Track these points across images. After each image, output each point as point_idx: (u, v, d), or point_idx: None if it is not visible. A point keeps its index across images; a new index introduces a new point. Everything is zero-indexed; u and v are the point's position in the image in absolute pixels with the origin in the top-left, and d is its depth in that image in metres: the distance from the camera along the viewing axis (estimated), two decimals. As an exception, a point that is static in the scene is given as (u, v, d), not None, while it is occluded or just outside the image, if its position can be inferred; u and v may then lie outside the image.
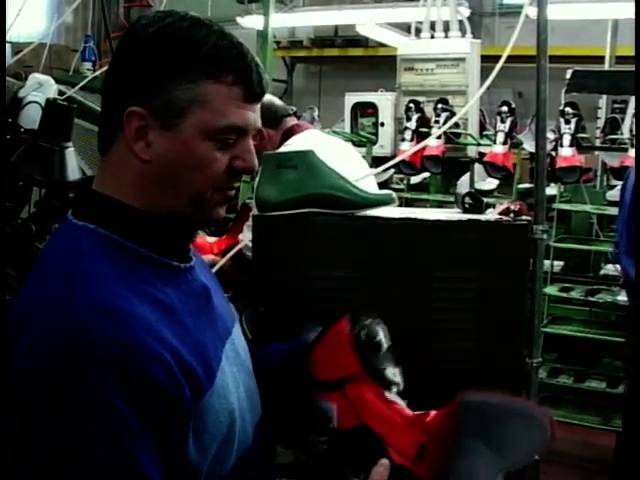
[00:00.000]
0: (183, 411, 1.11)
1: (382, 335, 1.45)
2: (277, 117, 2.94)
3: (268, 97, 3.09)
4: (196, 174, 1.19)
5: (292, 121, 3.00)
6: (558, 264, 5.18)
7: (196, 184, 1.20)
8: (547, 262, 4.88)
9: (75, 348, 1.04)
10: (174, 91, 1.16)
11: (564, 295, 4.91)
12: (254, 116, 1.23)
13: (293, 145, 2.74)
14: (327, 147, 2.37)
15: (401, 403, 1.37)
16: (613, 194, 5.02)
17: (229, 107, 1.18)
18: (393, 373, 1.41)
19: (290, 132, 2.90)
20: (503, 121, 4.86)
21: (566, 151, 4.66)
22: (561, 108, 4.72)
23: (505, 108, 4.87)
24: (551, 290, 4.91)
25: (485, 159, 4.90)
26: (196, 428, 1.14)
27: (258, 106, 1.24)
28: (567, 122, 4.67)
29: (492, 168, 4.87)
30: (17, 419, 1.05)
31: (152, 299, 1.15)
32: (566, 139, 4.66)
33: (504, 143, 4.83)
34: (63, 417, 1.03)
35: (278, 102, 3.06)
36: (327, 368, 1.44)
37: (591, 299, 4.77)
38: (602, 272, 5.33)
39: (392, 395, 1.38)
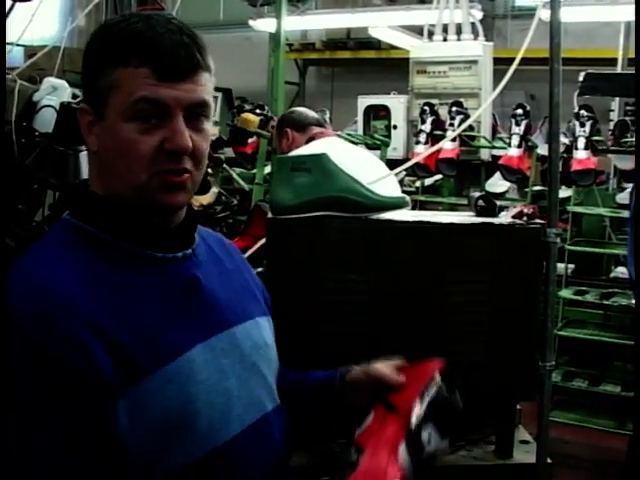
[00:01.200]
0: (99, 389, 1.14)
1: (459, 403, 1.42)
2: (304, 124, 3.26)
3: (304, 108, 3.54)
4: (124, 158, 1.23)
5: (318, 130, 3.23)
6: (569, 267, 5.16)
7: (127, 168, 1.23)
8: (562, 265, 4.87)
9: (4, 321, 1.13)
10: (98, 83, 1.24)
11: (579, 298, 4.90)
12: (175, 93, 1.22)
13: (307, 149, 2.77)
14: (342, 151, 2.38)
15: (402, 468, 1.33)
16: (623, 197, 5.00)
17: (137, 85, 1.21)
18: (428, 436, 1.36)
19: (312, 139, 3.09)
20: (518, 124, 4.84)
21: (581, 154, 4.63)
22: (576, 111, 4.71)
23: (520, 111, 4.86)
24: (566, 293, 4.89)
25: (500, 162, 4.89)
26: (132, 409, 1.16)
27: (186, 85, 1.23)
28: (582, 125, 4.65)
29: (507, 171, 4.86)
30: None
31: (104, 282, 1.21)
32: (581, 142, 4.64)
33: (519, 146, 4.81)
34: None
35: (311, 113, 3.41)
36: (397, 393, 1.44)
37: (606, 302, 4.75)
38: (612, 275, 5.31)
39: (403, 455, 1.33)
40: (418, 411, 1.37)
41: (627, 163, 4.92)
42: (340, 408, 1.51)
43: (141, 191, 1.24)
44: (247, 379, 1.34)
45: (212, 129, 1.36)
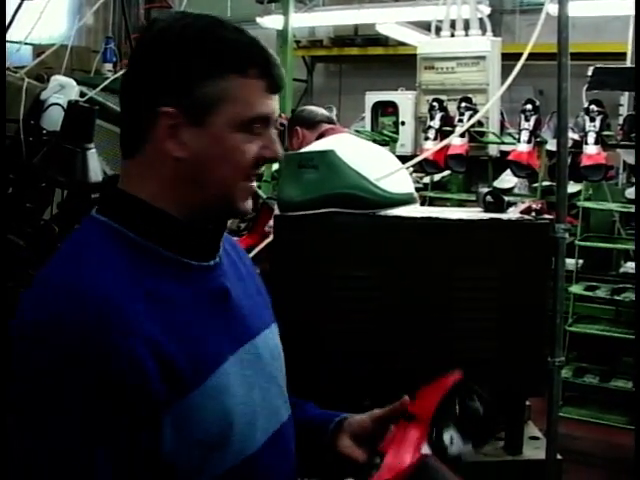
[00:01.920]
0: (149, 405, 1.11)
1: (479, 408, 1.43)
2: (315, 121, 3.33)
3: (314, 106, 3.65)
4: (226, 166, 1.22)
5: (329, 126, 3.30)
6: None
7: (226, 176, 1.22)
8: (572, 261, 4.85)
9: (44, 334, 1.08)
10: (203, 88, 1.18)
11: (589, 294, 4.88)
12: (276, 106, 1.27)
13: (316, 146, 2.77)
14: (350, 148, 2.38)
15: None
16: (632, 191, 4.98)
17: (256, 98, 1.21)
18: (450, 438, 1.37)
19: (323, 135, 3.10)
20: (527, 119, 4.82)
21: (591, 149, 4.62)
22: (586, 105, 4.69)
23: (529, 106, 4.84)
24: (576, 289, 4.88)
25: (510, 158, 4.87)
26: (176, 425, 1.13)
27: (277, 97, 1.28)
28: (592, 120, 4.63)
29: (517, 167, 4.84)
30: None
31: (148, 291, 1.17)
32: (591, 137, 4.62)
33: (528, 142, 4.79)
34: (22, 402, 1.09)
35: (321, 110, 3.50)
36: (416, 402, 1.42)
37: (617, 298, 4.73)
38: (622, 270, 5.29)
39: (427, 450, 1.35)
40: (438, 415, 1.38)
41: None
42: (326, 455, 1.46)
43: (228, 197, 1.24)
44: (267, 389, 1.33)
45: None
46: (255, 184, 1.28)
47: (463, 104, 4.99)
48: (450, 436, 1.37)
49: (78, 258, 1.17)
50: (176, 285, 1.21)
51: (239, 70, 1.20)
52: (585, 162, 4.62)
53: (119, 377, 1.08)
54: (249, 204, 1.28)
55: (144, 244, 1.21)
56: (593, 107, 4.64)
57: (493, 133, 5.04)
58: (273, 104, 1.25)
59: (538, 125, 4.85)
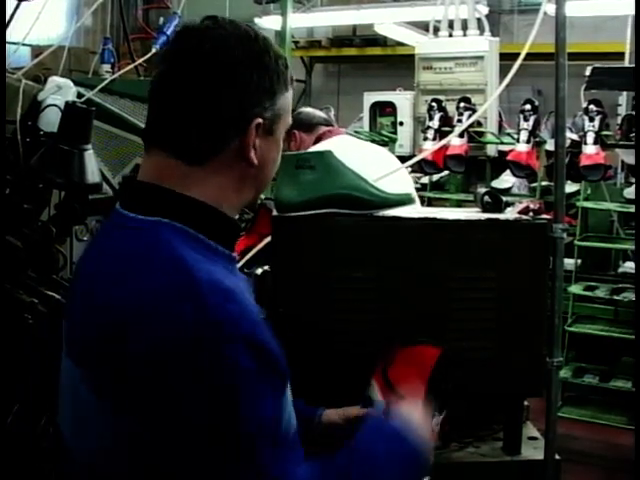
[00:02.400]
0: (285, 378, 1.25)
1: (450, 385, 1.56)
2: (312, 123, 3.34)
3: (311, 109, 3.64)
4: (275, 166, 1.39)
5: (326, 129, 3.31)
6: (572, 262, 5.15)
7: (272, 174, 1.40)
8: (571, 261, 4.85)
9: (205, 330, 1.15)
10: (278, 100, 1.33)
11: (589, 294, 4.88)
12: None
13: (316, 148, 2.77)
14: (349, 148, 2.37)
15: None
16: (631, 191, 4.98)
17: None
18: (436, 423, 1.49)
19: (320, 138, 3.13)
20: (526, 119, 4.81)
21: (590, 149, 4.61)
22: (584, 105, 4.68)
23: (528, 106, 4.83)
24: (576, 289, 4.88)
25: (508, 158, 4.87)
26: (286, 397, 1.26)
27: None
28: (591, 119, 4.62)
29: (516, 167, 4.84)
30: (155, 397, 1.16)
31: (240, 289, 1.26)
32: (590, 137, 4.61)
33: (527, 142, 4.79)
34: (203, 391, 1.15)
35: (318, 112, 3.51)
36: (398, 374, 1.53)
37: (616, 298, 4.73)
38: (621, 270, 5.29)
39: None
40: (427, 402, 1.47)
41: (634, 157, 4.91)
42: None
43: (260, 194, 1.41)
44: None
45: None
46: None
47: (462, 104, 4.98)
48: (436, 422, 1.49)
49: (178, 261, 1.21)
50: (234, 277, 1.31)
51: (291, 82, 1.37)
52: (584, 162, 4.62)
53: (278, 359, 1.22)
54: None
55: (207, 242, 1.29)
56: (592, 107, 4.64)
57: (492, 133, 5.03)
58: None
59: (537, 125, 4.84)
